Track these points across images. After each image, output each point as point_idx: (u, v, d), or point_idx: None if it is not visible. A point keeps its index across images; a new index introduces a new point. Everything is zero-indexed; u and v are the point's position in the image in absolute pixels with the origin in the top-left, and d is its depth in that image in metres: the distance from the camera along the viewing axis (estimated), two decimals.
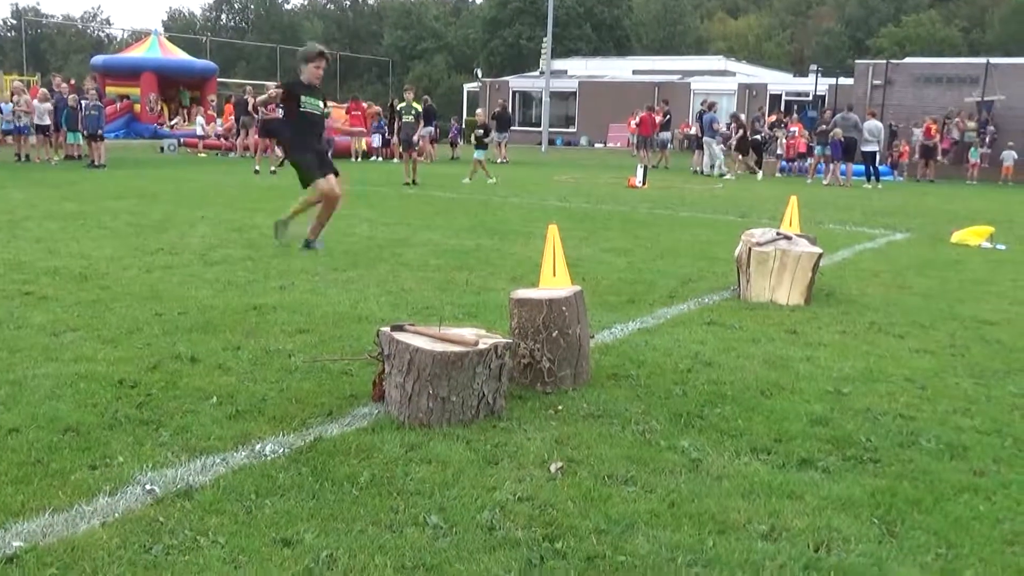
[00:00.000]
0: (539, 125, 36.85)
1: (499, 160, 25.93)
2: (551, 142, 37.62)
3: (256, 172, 18.83)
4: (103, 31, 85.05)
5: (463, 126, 33.76)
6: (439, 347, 3.65)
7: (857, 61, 30.70)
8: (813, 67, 36.53)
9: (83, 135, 19.96)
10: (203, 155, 25.70)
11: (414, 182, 16.65)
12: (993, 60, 26.89)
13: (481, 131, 19.45)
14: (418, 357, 3.61)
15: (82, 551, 2.57)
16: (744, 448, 3.52)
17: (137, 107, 32.83)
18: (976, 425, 3.90)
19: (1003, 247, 9.96)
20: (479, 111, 20.94)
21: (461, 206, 12.98)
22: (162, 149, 26.13)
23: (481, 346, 3.69)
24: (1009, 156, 24.08)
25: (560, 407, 3.93)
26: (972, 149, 24.58)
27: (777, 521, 2.89)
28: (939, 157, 23.98)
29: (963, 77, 26.60)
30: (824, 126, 22.20)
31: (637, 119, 27.43)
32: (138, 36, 43.77)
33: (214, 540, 2.65)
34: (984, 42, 57.61)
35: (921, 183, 22.94)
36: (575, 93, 42.97)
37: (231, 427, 3.57)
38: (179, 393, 3.97)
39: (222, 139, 26.68)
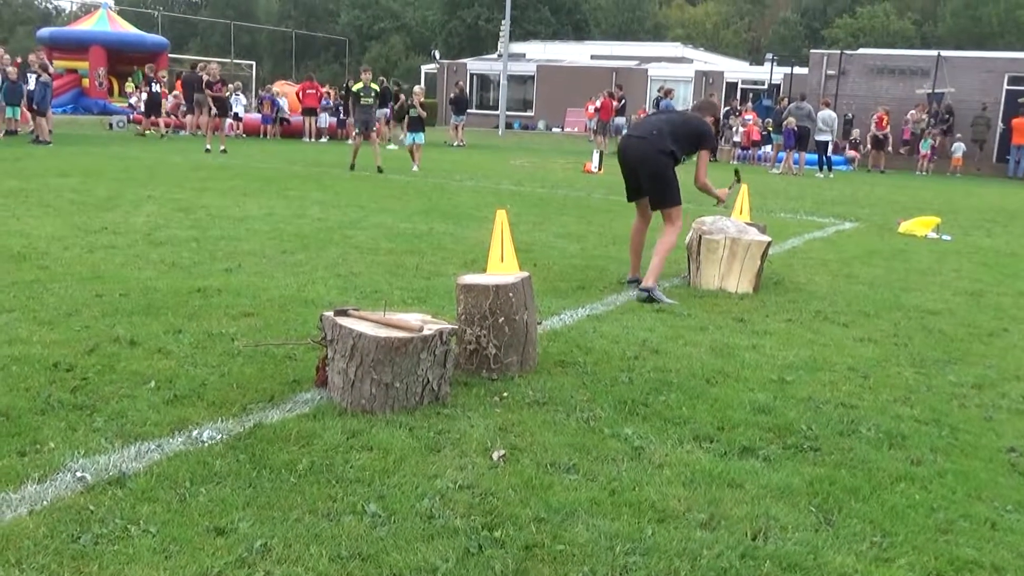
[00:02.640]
0: (497, 108, 36.71)
1: (455, 143, 25.81)
2: (508, 126, 37.50)
3: (207, 151, 18.52)
4: (51, 3, 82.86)
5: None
6: (383, 333, 3.61)
7: (812, 51, 31.01)
8: (769, 56, 36.82)
9: (32, 109, 19.42)
10: (149, 132, 25.21)
11: (379, 169, 15.33)
12: (944, 53, 27.33)
13: (417, 111, 17.06)
14: (361, 343, 3.57)
15: (7, 540, 2.50)
16: (687, 436, 3.53)
17: (85, 82, 32.07)
18: (915, 414, 3.96)
19: (948, 238, 10.15)
20: (416, 88, 17.87)
21: (416, 189, 12.89)
22: (111, 126, 25.57)
23: (426, 332, 3.65)
24: (958, 148, 24.53)
25: (505, 394, 3.91)
26: (923, 141, 25.00)
27: (716, 510, 2.90)
28: (888, 148, 24.31)
29: (915, 69, 27.02)
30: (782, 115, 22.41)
31: (597, 104, 27.46)
32: (87, 9, 42.74)
33: (145, 529, 2.59)
34: (936, 35, 58.57)
35: (872, 173, 23.28)
36: (533, 77, 42.85)
37: (168, 412, 3.50)
38: (116, 377, 3.88)
39: (172, 116, 26.15)
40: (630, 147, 6.54)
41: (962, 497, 3.12)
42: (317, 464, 3.07)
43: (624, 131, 28.24)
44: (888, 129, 24.33)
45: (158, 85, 24.21)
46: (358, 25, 67.24)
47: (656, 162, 6.30)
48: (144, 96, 24.09)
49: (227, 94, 21.77)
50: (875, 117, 24.69)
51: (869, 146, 24.75)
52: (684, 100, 35.62)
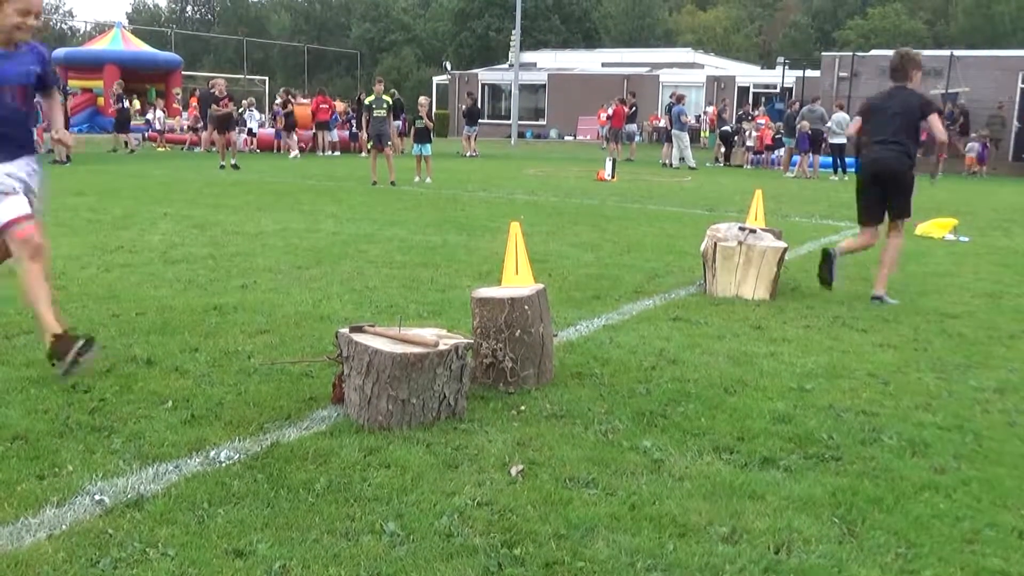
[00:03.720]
0: (509, 118, 36.74)
1: (468, 154, 25.85)
2: (521, 135, 37.54)
3: (221, 167, 18.62)
4: (66, 23, 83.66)
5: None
6: (399, 348, 3.59)
7: (823, 53, 30.93)
8: (780, 59, 36.71)
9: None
10: (163, 149, 25.37)
11: (392, 183, 15.22)
12: (957, 52, 27.17)
13: (423, 122, 16.90)
14: (377, 359, 3.56)
15: (26, 566, 2.50)
16: (707, 447, 3.50)
17: (100, 100, 32.34)
18: (938, 421, 3.91)
19: (966, 239, 10.06)
20: (422, 99, 17.51)
21: (429, 201, 12.91)
22: (126, 144, 25.73)
23: (441, 347, 3.64)
24: (972, 148, 24.34)
25: (523, 407, 3.89)
26: None
27: (738, 523, 2.87)
28: None
29: (927, 69, 26.82)
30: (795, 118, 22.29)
31: (609, 111, 27.44)
32: (101, 29, 43.14)
33: (164, 552, 2.58)
34: (948, 34, 58.28)
35: None
36: (544, 86, 42.91)
37: (185, 433, 3.49)
38: (133, 398, 3.89)
39: (188, 133, 26.31)
40: (881, 160, 6.30)
41: (987, 505, 3.07)
42: (335, 483, 3.06)
43: (637, 138, 28.40)
44: None
45: (127, 101, 24.37)
46: (369, 38, 67.57)
47: (905, 176, 6.28)
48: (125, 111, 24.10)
49: (235, 109, 21.79)
50: None
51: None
52: (696, 105, 35.57)
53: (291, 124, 24.53)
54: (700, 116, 34.40)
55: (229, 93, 20.78)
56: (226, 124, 19.77)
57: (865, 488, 3.16)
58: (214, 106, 20.23)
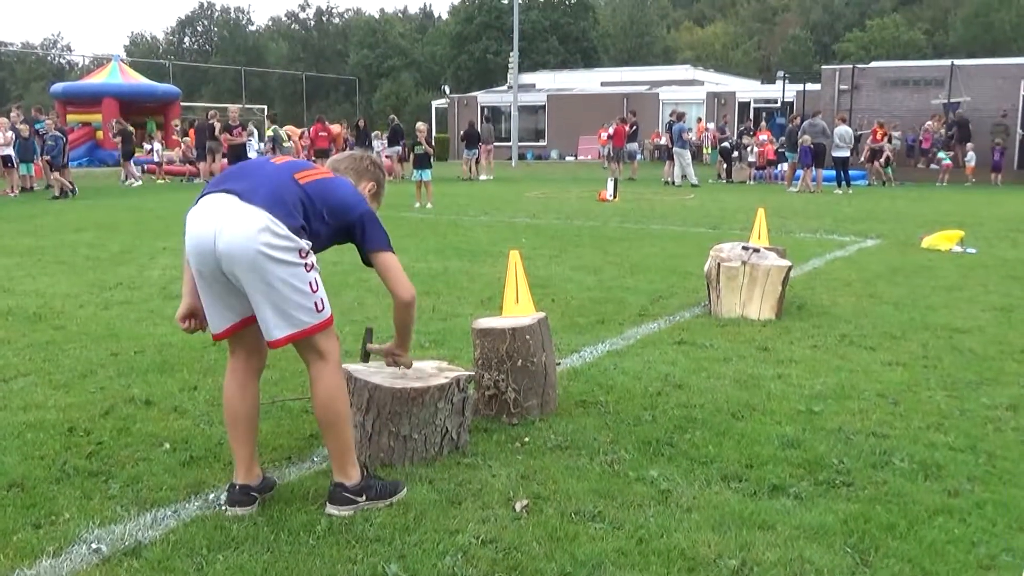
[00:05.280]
0: (509, 140, 36.88)
1: (469, 177, 25.93)
2: (521, 156, 37.65)
3: None
4: (63, 58, 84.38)
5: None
6: (399, 383, 3.57)
7: (823, 67, 30.99)
8: (780, 74, 36.82)
9: (49, 166, 19.68)
10: (162, 181, 25.47)
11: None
12: (957, 62, 27.22)
13: (423, 147, 17.28)
14: (377, 395, 3.53)
15: None
16: (714, 476, 3.46)
17: (100, 134, 32.53)
18: (950, 442, 3.86)
19: (973, 251, 10.02)
20: (420, 124, 18.01)
21: (430, 226, 12.92)
22: (125, 177, 25.82)
23: (442, 380, 3.62)
24: (972, 157, 24.30)
25: (526, 439, 3.86)
26: (940, 152, 24.82)
27: (748, 555, 2.82)
28: (882, 161, 23.93)
29: (928, 79, 26.91)
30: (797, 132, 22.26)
31: (610, 130, 27.51)
32: (99, 62, 43.46)
33: None
34: (947, 44, 58.46)
35: (888, 187, 23.09)
36: (544, 106, 43.08)
37: (184, 475, 3.47)
38: (131, 440, 3.86)
39: (187, 164, 26.43)
40: None
41: (1003, 529, 3.03)
42: (336, 524, 3.03)
43: (639, 156, 28.42)
44: (885, 141, 24.04)
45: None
46: (367, 64, 68.01)
47: None
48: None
49: (246, 139, 21.91)
50: (871, 131, 24.47)
51: (864, 159, 24.44)
52: (695, 123, 35.63)
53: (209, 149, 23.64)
54: (703, 133, 34.47)
55: (242, 122, 20.81)
56: (240, 154, 19.70)
57: (877, 514, 3.12)
58: (227, 135, 20.28)
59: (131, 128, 23.69)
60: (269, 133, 17.21)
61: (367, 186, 3.44)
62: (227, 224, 2.89)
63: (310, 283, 3.00)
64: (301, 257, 2.96)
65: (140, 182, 23.27)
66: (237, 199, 2.94)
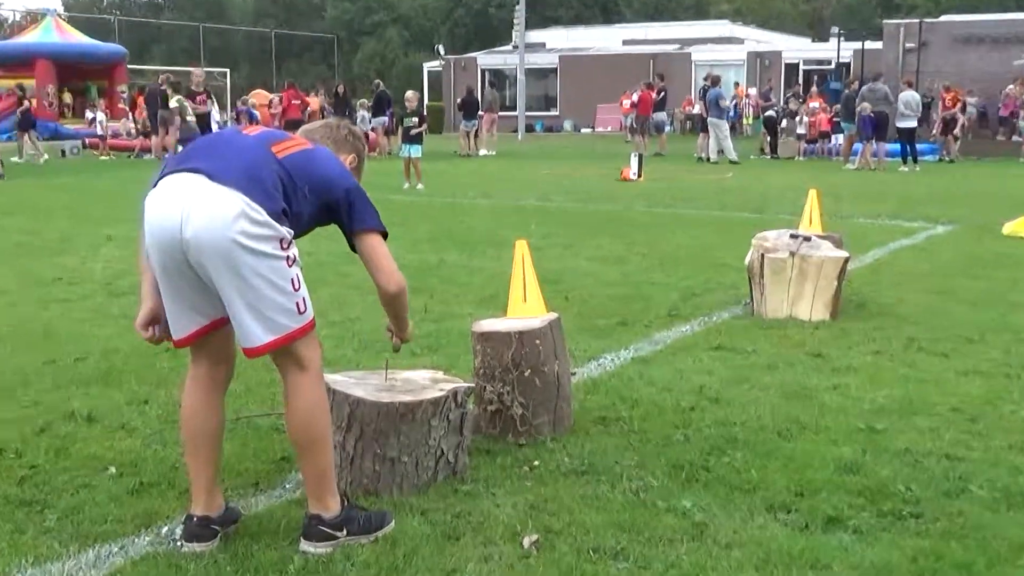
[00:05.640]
0: (514, 109, 36.89)
1: (462, 153, 25.97)
2: (529, 128, 37.68)
3: None
4: None
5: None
6: (385, 396, 3.57)
7: (885, 21, 30.95)
8: (835, 30, 36.80)
9: None
10: (106, 157, 25.53)
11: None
12: None
13: (415, 120, 17.50)
14: (360, 410, 3.53)
15: None
16: (758, 506, 3.46)
17: (34, 102, 32.57)
18: None
19: None
20: (409, 93, 18.33)
21: (421, 211, 12.94)
22: (63, 153, 25.91)
23: (436, 393, 3.61)
24: None
25: (536, 463, 3.86)
26: (1023, 121, 24.78)
27: None
28: (957, 131, 23.87)
29: (1009, 36, 26.79)
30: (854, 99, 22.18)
31: (634, 97, 27.54)
32: (32, 18, 43.61)
33: None
34: None
35: (959, 163, 23.01)
36: (556, 69, 43.10)
37: (133, 505, 3.47)
38: (71, 464, 3.87)
39: (140, 137, 26.49)
40: None
41: None
42: (312, 563, 3.03)
43: (667, 128, 28.43)
44: (957, 109, 23.94)
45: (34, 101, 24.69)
46: (347, 20, 67.95)
47: None
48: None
49: (214, 108, 21.94)
50: (940, 97, 24.38)
51: (936, 132, 24.38)
52: (732, 87, 35.61)
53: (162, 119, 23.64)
54: (743, 100, 34.46)
55: (206, 88, 20.78)
56: (203, 126, 19.66)
57: (952, 551, 3.11)
58: (191, 104, 20.30)
59: (28, 97, 23.78)
60: (173, 103, 17.41)
61: (346, 159, 3.43)
62: (196, 209, 2.88)
63: (292, 279, 2.98)
64: (282, 248, 2.95)
65: (45, 158, 23.19)
66: (206, 179, 2.92)
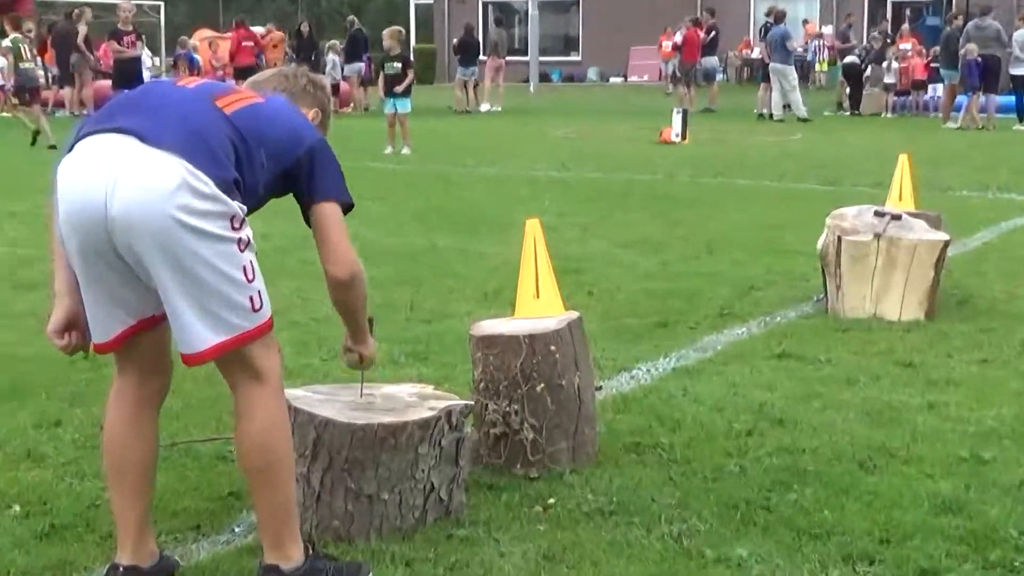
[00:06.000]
0: (525, 53, 36.85)
1: (460, 109, 25.98)
2: (544, 77, 37.65)
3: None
4: None
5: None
6: (360, 417, 3.58)
7: None
8: None
9: None
10: (8, 115, 25.52)
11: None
12: None
13: (397, 66, 17.27)
14: (328, 434, 3.54)
15: None
16: (833, 556, 3.47)
17: None
18: None
19: None
20: (390, 32, 18.11)
21: (408, 182, 12.96)
22: None
23: (425, 413, 3.62)
24: None
25: (551, 501, 3.87)
26: None
27: None
28: None
29: None
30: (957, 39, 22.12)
31: (677, 38, 27.50)
32: None
33: None
34: None
35: None
36: (578, 2, 43.04)
37: (42, 552, 3.49)
38: None
39: (55, 88, 26.50)
40: None
41: None
42: None
43: (720, 76, 28.34)
44: None
45: None
46: None
47: None
48: None
49: (144, 51, 21.93)
50: None
51: None
52: (802, 26, 35.53)
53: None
54: (814, 41, 34.40)
55: (135, 26, 20.69)
56: (130, 75, 19.43)
57: None
58: (115, 45, 20.23)
59: None
60: (5, 43, 17.57)
61: (307, 114, 3.43)
62: (124, 179, 2.86)
63: (244, 267, 2.98)
64: (233, 228, 2.95)
65: None
66: (137, 141, 2.91)
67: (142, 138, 2.90)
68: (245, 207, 2.99)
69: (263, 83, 3.49)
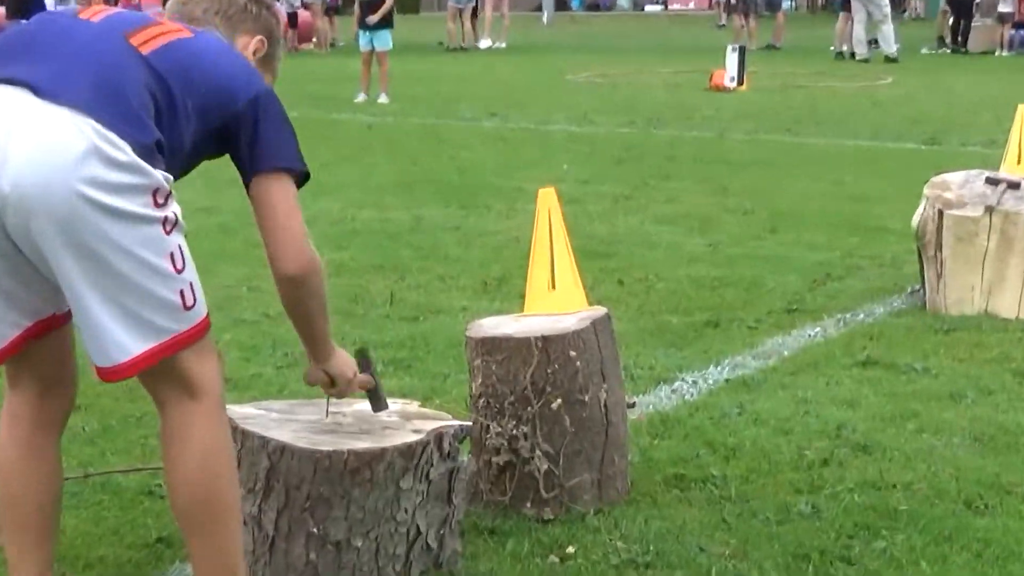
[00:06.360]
0: None
1: (452, 45, 26.01)
2: (562, 4, 37.69)
3: None
4: None
5: None
6: (325, 443, 3.58)
7: None
8: None
9: None
10: None
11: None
12: None
13: None
14: (285, 464, 3.54)
15: None
16: None
17: None
18: None
19: None
20: None
21: (386, 139, 12.96)
22: None
23: (409, 437, 3.62)
24: None
25: (570, 549, 3.88)
26: None
27: None
28: None
29: None
30: None
31: None
32: None
33: None
34: None
35: None
36: None
37: None
38: None
39: None
40: None
41: None
42: None
43: (786, 4, 28.26)
44: None
45: None
46: None
47: None
48: None
49: None
50: None
51: None
52: None
53: None
54: None
55: None
56: (28, 1, 19.53)
57: None
58: None
59: None
60: None
61: (247, 43, 3.37)
62: (15, 145, 2.81)
63: (171, 254, 2.93)
64: (156, 205, 2.89)
65: None
66: (30, 95, 2.88)
67: (36, 91, 2.83)
68: (170, 176, 2.94)
69: (192, 4, 3.40)
